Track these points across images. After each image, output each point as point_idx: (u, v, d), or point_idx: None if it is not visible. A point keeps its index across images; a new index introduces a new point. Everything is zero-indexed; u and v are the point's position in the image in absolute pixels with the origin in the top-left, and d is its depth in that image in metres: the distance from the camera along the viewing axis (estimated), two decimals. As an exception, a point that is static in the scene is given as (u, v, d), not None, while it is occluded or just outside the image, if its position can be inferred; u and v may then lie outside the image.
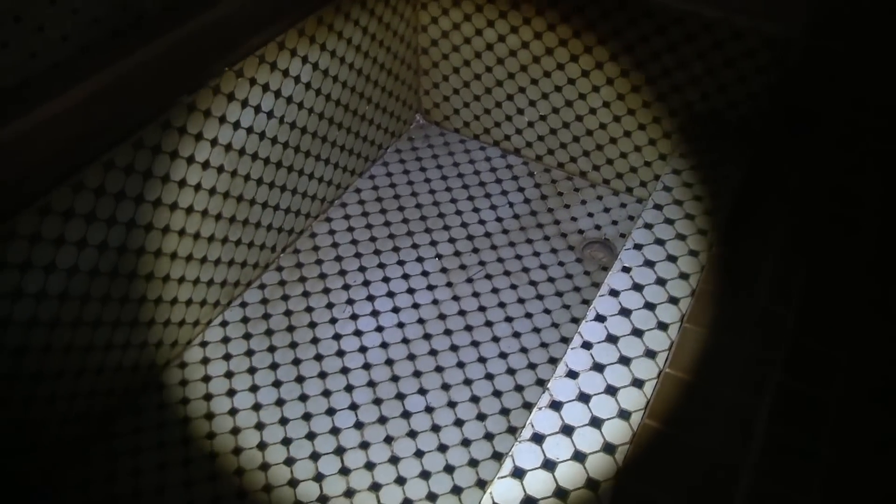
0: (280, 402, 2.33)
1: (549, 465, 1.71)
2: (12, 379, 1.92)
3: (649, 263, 2.15)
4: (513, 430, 2.25)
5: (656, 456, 1.72)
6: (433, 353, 2.45)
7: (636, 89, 2.73)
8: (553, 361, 2.42)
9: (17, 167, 1.79)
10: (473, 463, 2.18)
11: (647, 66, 2.65)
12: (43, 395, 2.01)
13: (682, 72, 2.59)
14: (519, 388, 2.35)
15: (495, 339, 2.49)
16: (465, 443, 2.23)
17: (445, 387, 2.36)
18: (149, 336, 2.31)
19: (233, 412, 2.31)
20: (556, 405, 1.82)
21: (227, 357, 2.45)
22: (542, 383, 2.36)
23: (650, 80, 2.67)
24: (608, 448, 1.73)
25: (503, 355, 2.44)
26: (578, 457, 1.72)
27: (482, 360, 2.43)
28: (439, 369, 2.40)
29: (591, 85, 2.82)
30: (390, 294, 2.63)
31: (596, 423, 1.78)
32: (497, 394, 2.34)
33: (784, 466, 1.69)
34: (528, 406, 2.31)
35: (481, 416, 2.28)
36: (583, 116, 2.92)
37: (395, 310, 2.58)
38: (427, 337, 2.50)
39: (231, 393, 2.35)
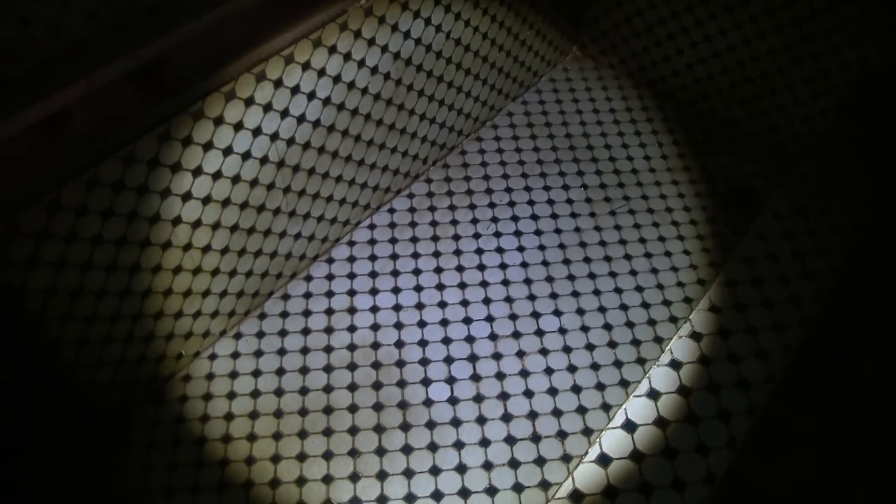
0: (420, 306, 2.44)
1: (683, 391, 1.75)
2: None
3: (801, 213, 2.12)
4: (642, 361, 2.29)
5: (798, 396, 1.73)
6: (571, 277, 2.50)
7: (807, 39, 2.65)
8: (688, 300, 2.44)
9: (206, 54, 1.93)
10: (601, 387, 2.24)
11: (823, 15, 2.56)
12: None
13: (861, 24, 2.49)
14: (652, 322, 2.39)
15: (633, 273, 2.52)
16: (595, 367, 2.29)
17: (580, 311, 2.41)
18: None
19: (374, 309, 2.43)
20: (696, 336, 1.85)
21: (350, 274, 2.58)
22: (675, 321, 2.39)
23: (824, 31, 2.58)
24: (743, 384, 1.76)
25: (639, 289, 2.47)
26: (713, 388, 1.75)
27: (618, 290, 2.47)
28: (575, 294, 2.46)
29: (758, 31, 2.75)
30: (534, 217, 2.68)
31: (734, 359, 1.80)
32: (630, 325, 2.38)
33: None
34: (658, 340, 2.34)
35: (612, 344, 2.33)
36: (745, 63, 2.86)
37: (538, 232, 2.63)
38: (566, 262, 2.55)
39: (374, 292, 2.48)
